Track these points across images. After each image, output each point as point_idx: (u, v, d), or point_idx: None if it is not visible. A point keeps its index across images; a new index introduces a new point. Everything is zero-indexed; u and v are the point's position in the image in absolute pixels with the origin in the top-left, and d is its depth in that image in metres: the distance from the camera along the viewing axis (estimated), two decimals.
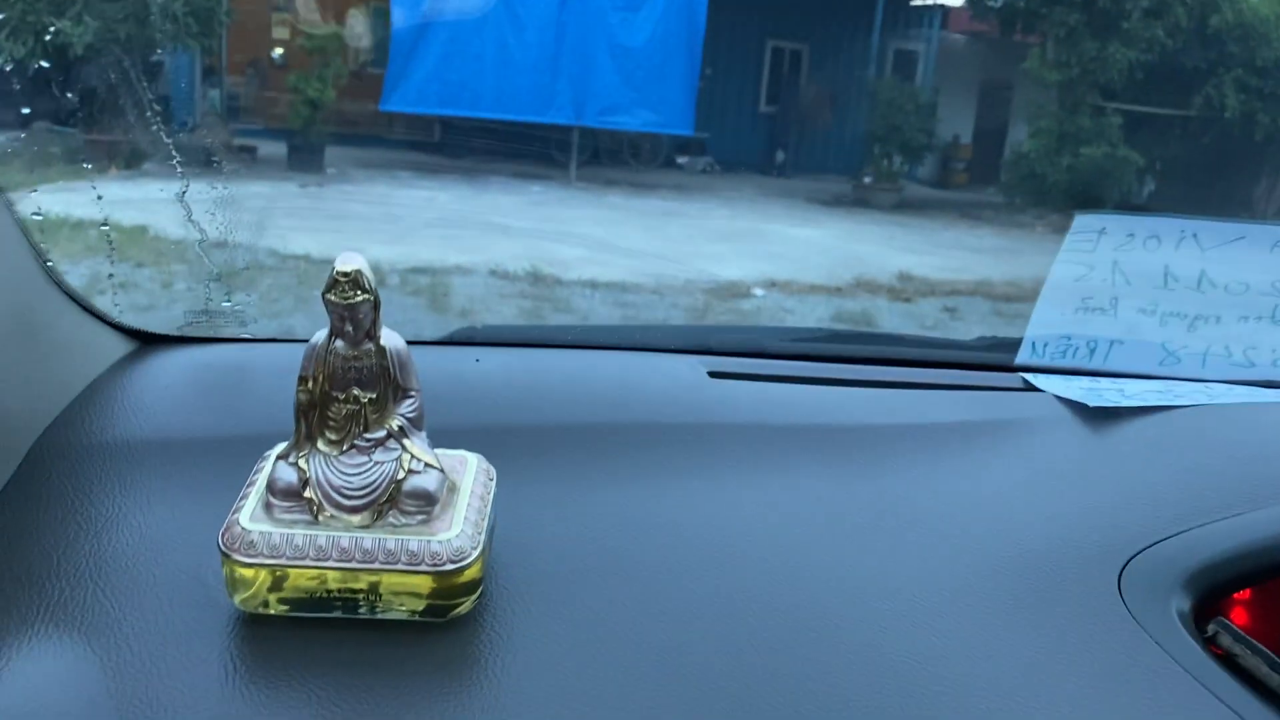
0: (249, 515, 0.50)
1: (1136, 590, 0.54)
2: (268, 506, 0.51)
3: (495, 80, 9.25)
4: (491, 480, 0.56)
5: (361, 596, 0.51)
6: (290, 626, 0.51)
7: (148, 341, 0.74)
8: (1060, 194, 9.00)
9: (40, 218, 0.63)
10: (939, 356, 0.91)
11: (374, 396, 0.51)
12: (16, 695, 0.46)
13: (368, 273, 0.49)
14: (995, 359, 0.87)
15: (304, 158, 8.36)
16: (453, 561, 0.50)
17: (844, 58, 11.68)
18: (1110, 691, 0.50)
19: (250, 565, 0.49)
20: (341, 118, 9.15)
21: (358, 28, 9.13)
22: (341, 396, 0.51)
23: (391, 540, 0.50)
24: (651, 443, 0.68)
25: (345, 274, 0.48)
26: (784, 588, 0.56)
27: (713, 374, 0.78)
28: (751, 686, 0.49)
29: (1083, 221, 0.76)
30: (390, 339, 0.51)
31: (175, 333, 0.74)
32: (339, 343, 0.50)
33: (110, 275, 0.77)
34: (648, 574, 0.56)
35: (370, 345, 0.51)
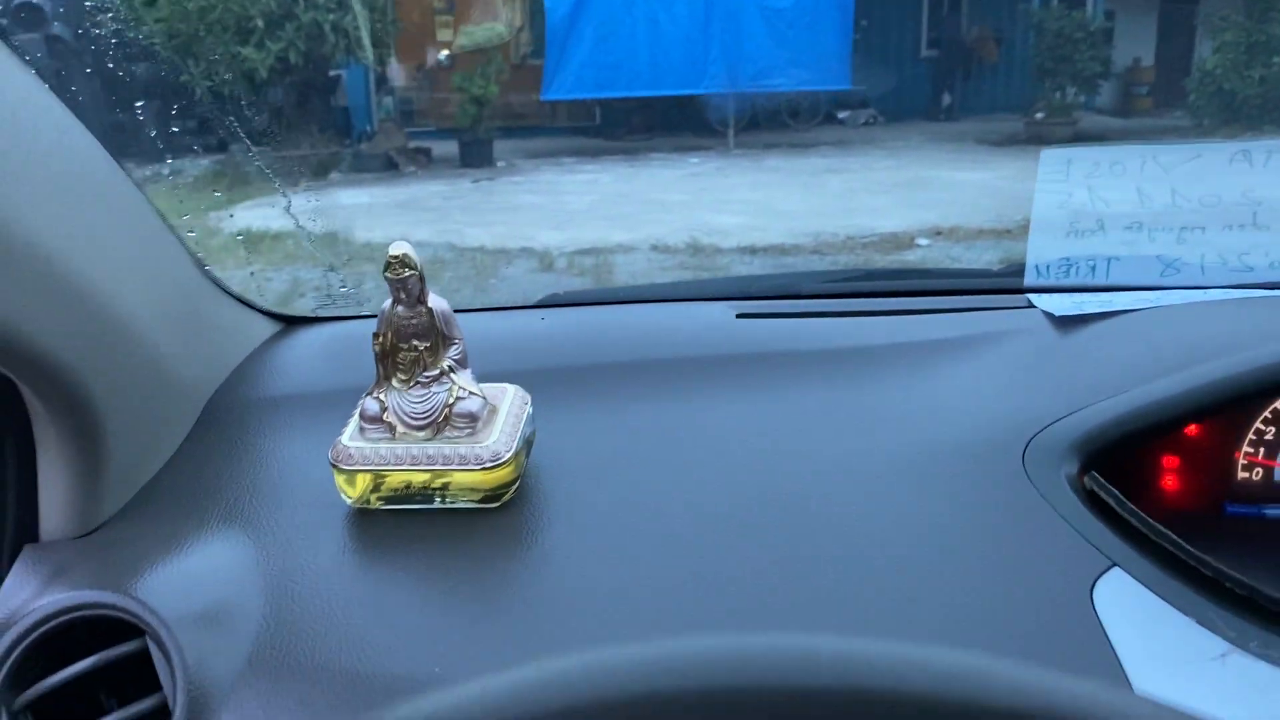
0: (348, 436, 0.70)
1: (1036, 460, 0.66)
2: (361, 430, 0.70)
3: (649, 57, 9.41)
4: (526, 404, 0.73)
5: (435, 491, 0.69)
6: (386, 516, 0.70)
7: (289, 323, 0.95)
8: (1254, 110, 8.38)
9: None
10: (962, 285, 1.01)
11: (429, 345, 0.69)
12: (201, 565, 0.66)
13: (413, 254, 0.67)
14: (1010, 284, 0.98)
15: (475, 153, 8.76)
16: (492, 461, 0.67)
17: None
18: (1004, 536, 0.62)
19: (348, 471, 0.68)
20: (507, 111, 9.54)
21: (514, 22, 9.50)
22: (405, 346, 0.69)
23: (448, 448, 0.68)
24: (678, 373, 0.84)
25: (396, 257, 0.66)
26: (770, 472, 0.71)
27: (740, 315, 0.92)
28: (743, 539, 0.65)
29: (1049, 155, 0.85)
30: (436, 302, 0.69)
31: (309, 314, 0.96)
32: (399, 308, 0.68)
33: (251, 274, 0.99)
34: (664, 468, 0.73)
35: (422, 308, 0.69)
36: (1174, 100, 10.00)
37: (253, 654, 0.61)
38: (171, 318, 0.75)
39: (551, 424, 0.77)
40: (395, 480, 0.69)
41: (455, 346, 0.70)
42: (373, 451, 0.68)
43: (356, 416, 0.71)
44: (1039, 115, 9.81)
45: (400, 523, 0.69)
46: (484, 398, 0.70)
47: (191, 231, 0.80)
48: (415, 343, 0.69)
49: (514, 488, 0.70)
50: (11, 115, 0.58)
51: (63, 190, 0.62)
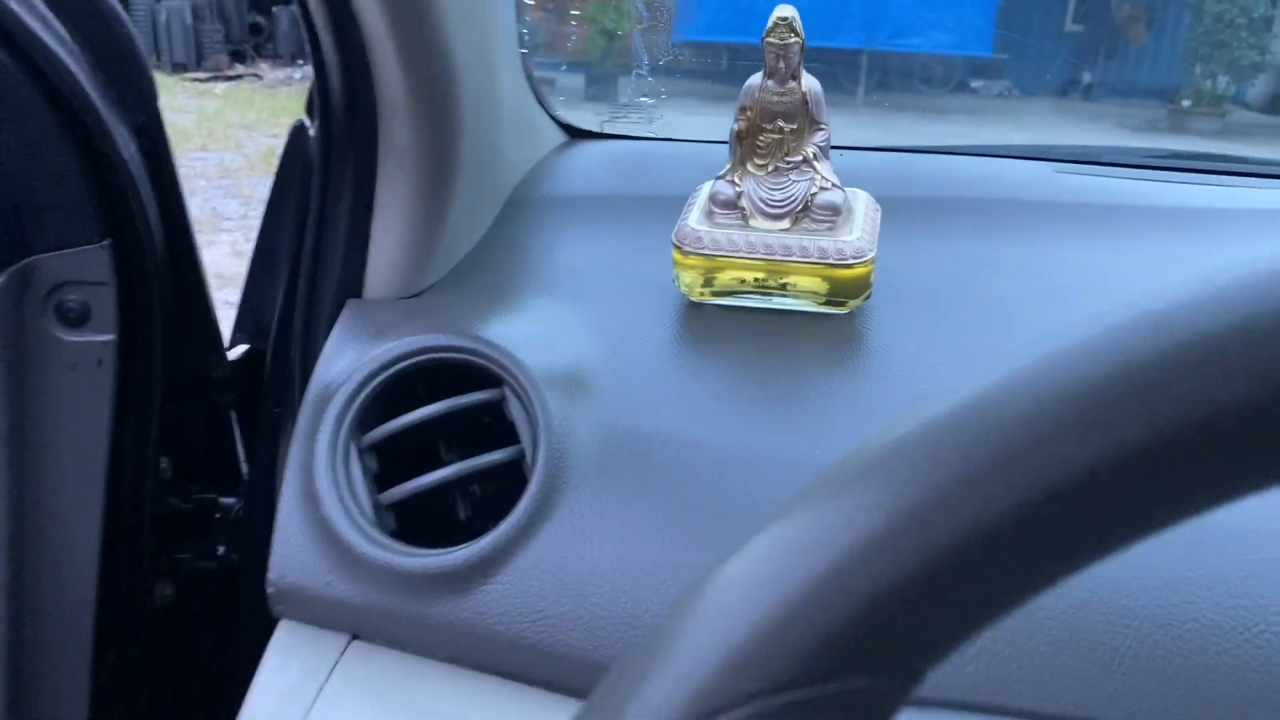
0: (695, 220, 0.65)
1: None
2: (709, 214, 0.65)
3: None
4: (878, 211, 0.67)
5: (773, 289, 0.64)
6: (716, 311, 0.65)
7: (575, 135, 0.91)
8: None
9: None
10: (1271, 170, 0.93)
11: (794, 128, 0.64)
12: (540, 331, 0.62)
13: (799, 20, 0.61)
14: None
15: (600, 88, 8.69)
16: (854, 258, 0.62)
17: None
18: None
19: (695, 254, 0.63)
20: (635, 48, 9.42)
21: None
22: (769, 127, 0.64)
23: (806, 239, 0.63)
24: (1001, 213, 0.77)
25: (783, 18, 0.60)
26: (1076, 303, 0.65)
27: (1058, 171, 0.86)
28: None
29: None
30: (810, 81, 0.63)
31: (595, 129, 0.92)
32: (770, 82, 0.63)
33: (563, 67, 0.96)
34: (994, 301, 0.67)
35: (794, 84, 0.63)
36: None
37: (612, 422, 0.57)
38: (507, 109, 0.72)
39: (882, 244, 0.71)
40: (734, 270, 0.64)
41: (821, 133, 0.65)
42: (723, 237, 0.63)
43: (704, 199, 0.66)
44: (1185, 104, 9.31)
45: (729, 316, 0.65)
46: (845, 192, 0.64)
47: (525, 31, 0.77)
48: (781, 124, 0.64)
49: (864, 296, 0.64)
50: None
51: None
